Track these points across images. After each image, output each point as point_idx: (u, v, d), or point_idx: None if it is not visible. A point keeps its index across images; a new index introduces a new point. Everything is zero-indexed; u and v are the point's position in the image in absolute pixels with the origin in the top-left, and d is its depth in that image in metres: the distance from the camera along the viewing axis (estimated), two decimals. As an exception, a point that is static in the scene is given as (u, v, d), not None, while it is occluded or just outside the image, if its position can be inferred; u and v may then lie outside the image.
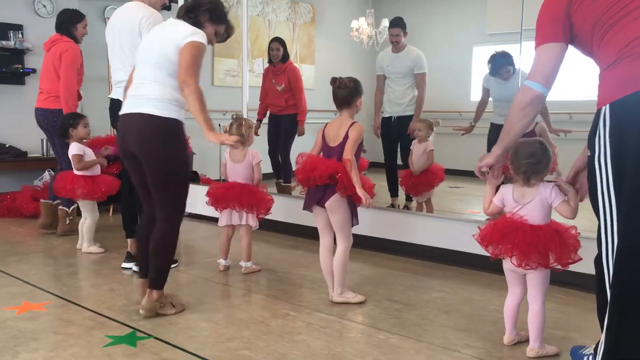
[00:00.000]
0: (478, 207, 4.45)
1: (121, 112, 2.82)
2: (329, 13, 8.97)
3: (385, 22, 7.85)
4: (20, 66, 6.10)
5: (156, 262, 2.83)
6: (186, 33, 2.70)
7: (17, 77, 6.10)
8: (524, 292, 2.47)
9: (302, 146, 4.67)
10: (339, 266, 3.04)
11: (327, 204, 2.97)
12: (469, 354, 2.47)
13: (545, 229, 2.32)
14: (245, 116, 5.25)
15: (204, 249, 4.42)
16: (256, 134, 5.62)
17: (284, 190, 5.40)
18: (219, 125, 6.49)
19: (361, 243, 4.29)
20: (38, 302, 3.06)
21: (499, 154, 2.32)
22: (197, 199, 5.59)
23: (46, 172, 5.98)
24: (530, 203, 2.35)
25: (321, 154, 3.09)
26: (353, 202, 3.00)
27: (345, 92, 3.03)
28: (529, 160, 2.31)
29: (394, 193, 5.01)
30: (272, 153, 5.62)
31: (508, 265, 2.41)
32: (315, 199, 3.01)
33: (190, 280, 3.57)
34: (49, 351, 2.45)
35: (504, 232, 2.35)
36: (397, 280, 3.56)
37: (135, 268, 3.58)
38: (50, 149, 5.85)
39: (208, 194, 3.71)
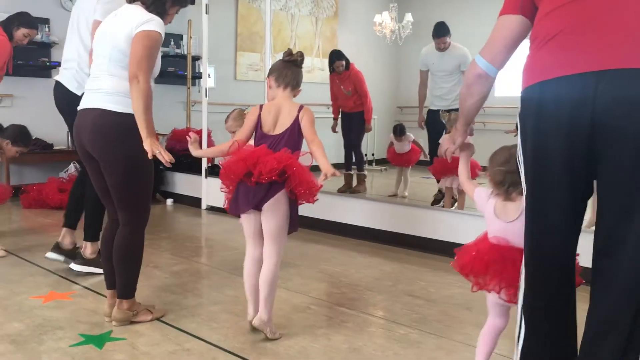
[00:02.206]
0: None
1: (78, 108, 2.62)
2: (352, 7, 8.95)
3: (409, 17, 7.82)
4: (46, 59, 6.21)
5: (121, 269, 2.62)
6: (139, 21, 2.44)
7: (44, 70, 6.20)
8: (508, 320, 2.19)
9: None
10: (269, 286, 2.49)
11: (266, 205, 2.42)
12: (490, 351, 2.45)
13: None
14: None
15: (224, 241, 4.45)
16: (334, 131, 6.10)
17: (359, 179, 6.00)
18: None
19: (381, 238, 4.29)
20: (64, 291, 3.12)
21: (463, 129, 2.08)
22: (218, 192, 5.63)
23: (72, 165, 6.08)
24: (516, 221, 1.93)
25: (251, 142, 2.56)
26: (295, 204, 2.49)
27: (300, 70, 2.59)
28: (502, 168, 1.94)
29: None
30: (347, 147, 6.10)
31: (494, 298, 2.06)
32: (253, 200, 2.42)
33: (212, 272, 3.60)
34: (73, 340, 2.49)
35: (487, 261, 1.97)
36: (418, 276, 3.55)
37: (54, 256, 3.53)
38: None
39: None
